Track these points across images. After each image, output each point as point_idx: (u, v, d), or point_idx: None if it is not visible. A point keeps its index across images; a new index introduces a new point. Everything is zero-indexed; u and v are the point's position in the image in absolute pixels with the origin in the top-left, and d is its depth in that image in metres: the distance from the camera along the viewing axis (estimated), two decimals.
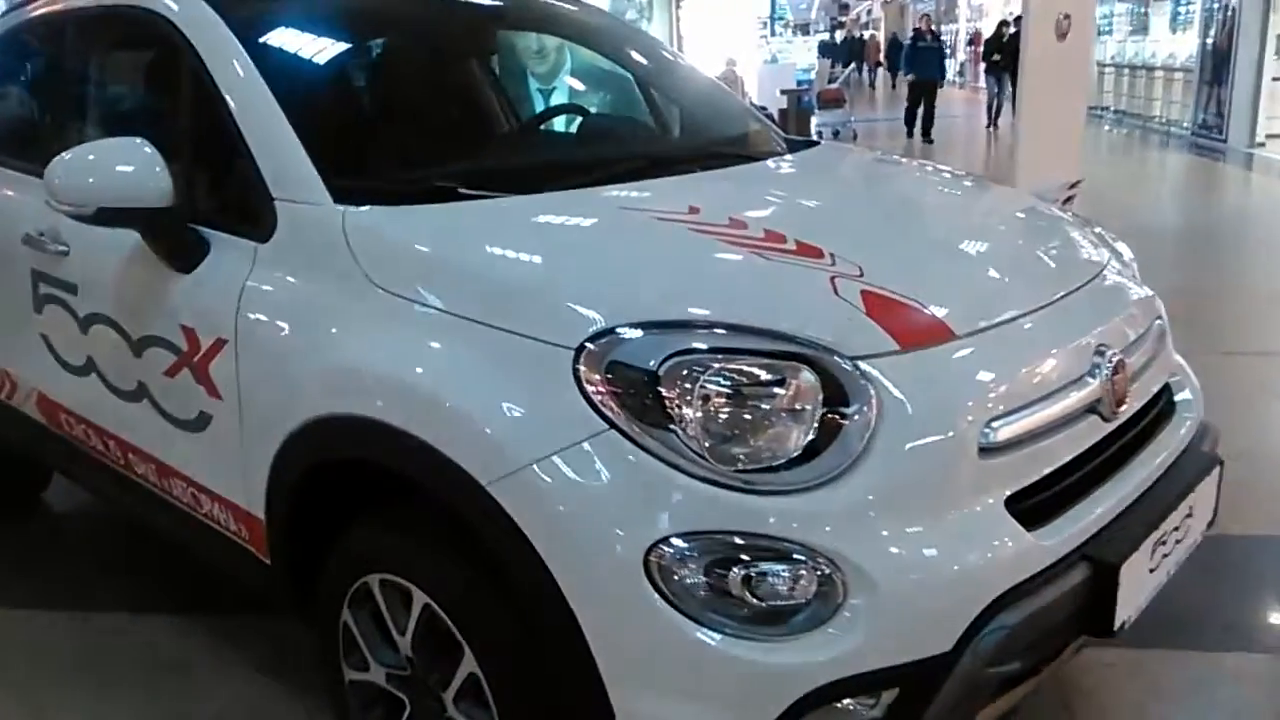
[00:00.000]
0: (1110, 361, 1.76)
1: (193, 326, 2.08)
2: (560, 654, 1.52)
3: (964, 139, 15.59)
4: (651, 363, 1.50)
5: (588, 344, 1.54)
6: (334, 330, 1.81)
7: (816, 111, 13.97)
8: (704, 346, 1.52)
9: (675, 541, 1.45)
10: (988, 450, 1.56)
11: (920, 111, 14.17)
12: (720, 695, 1.46)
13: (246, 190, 2.03)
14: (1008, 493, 1.58)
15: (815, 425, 1.49)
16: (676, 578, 1.45)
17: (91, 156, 2.04)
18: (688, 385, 1.48)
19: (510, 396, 1.56)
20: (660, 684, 1.48)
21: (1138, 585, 1.68)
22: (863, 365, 1.54)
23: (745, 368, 1.51)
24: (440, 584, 1.69)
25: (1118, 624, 1.63)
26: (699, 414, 1.48)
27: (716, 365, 1.50)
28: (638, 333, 1.54)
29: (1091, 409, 1.73)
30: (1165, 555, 1.78)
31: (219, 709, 2.44)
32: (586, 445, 1.50)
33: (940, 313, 1.65)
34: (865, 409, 1.51)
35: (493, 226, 1.87)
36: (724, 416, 1.49)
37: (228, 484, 2.10)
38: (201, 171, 2.15)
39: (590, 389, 1.52)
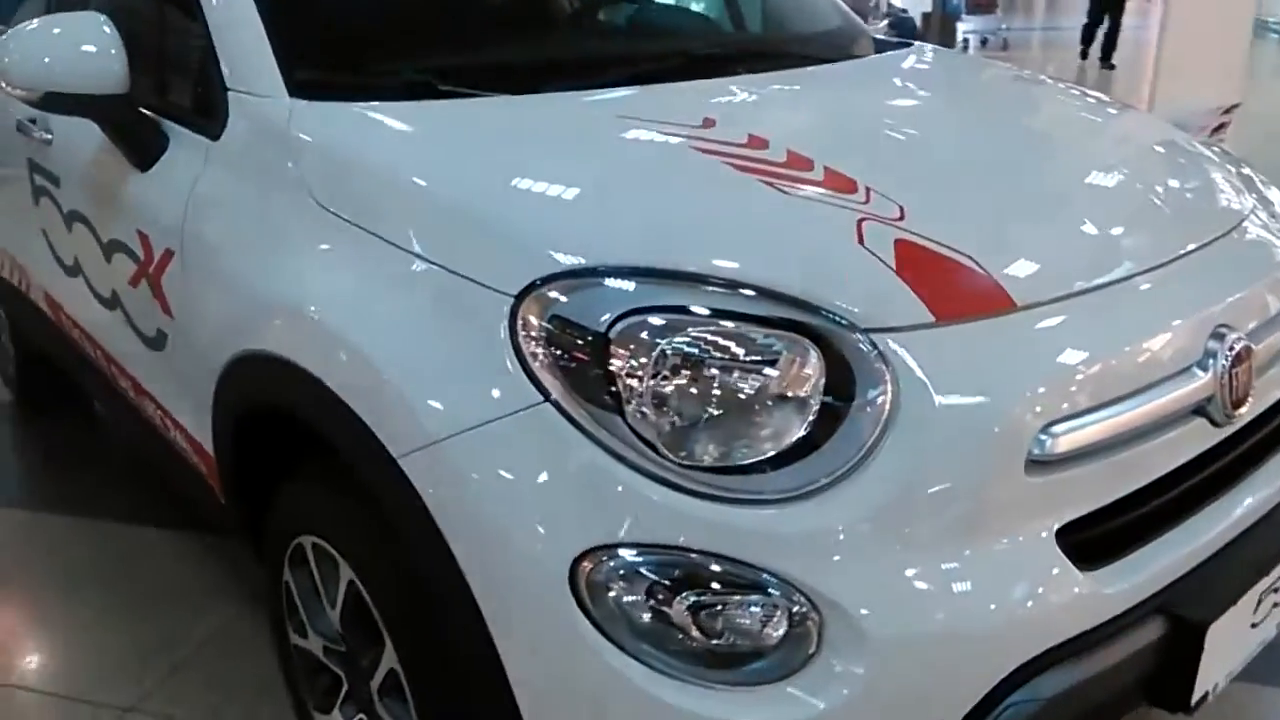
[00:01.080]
0: (1231, 348, 1.33)
1: (147, 233, 1.84)
2: (473, 670, 1.24)
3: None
4: (602, 320, 1.17)
5: (530, 292, 1.22)
6: (271, 252, 1.54)
7: (964, 16, 12.91)
8: (671, 304, 1.18)
9: (613, 553, 1.14)
10: (1040, 463, 1.19)
11: (1103, 28, 11.36)
12: None
13: (203, 76, 1.75)
14: (1061, 521, 1.20)
15: (810, 418, 1.15)
16: (609, 597, 1.14)
17: (55, 30, 1.78)
18: (644, 354, 1.15)
19: (439, 351, 1.26)
20: None
21: (1231, 647, 1.29)
22: (882, 341, 1.17)
23: (723, 337, 1.16)
24: (362, 561, 1.43)
25: (1197, 697, 1.26)
26: (655, 392, 1.15)
27: (685, 331, 1.16)
28: (592, 281, 1.21)
29: (1198, 410, 1.32)
30: (1278, 604, 1.38)
31: (207, 634, 2.29)
32: (515, 420, 1.19)
33: (1000, 273, 1.26)
34: (878, 400, 1.15)
35: (454, 134, 1.54)
36: (688, 398, 1.15)
37: (183, 413, 1.88)
38: (158, 54, 1.88)
39: (527, 350, 1.20)
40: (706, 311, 1.18)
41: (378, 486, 1.30)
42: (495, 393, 1.20)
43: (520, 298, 1.22)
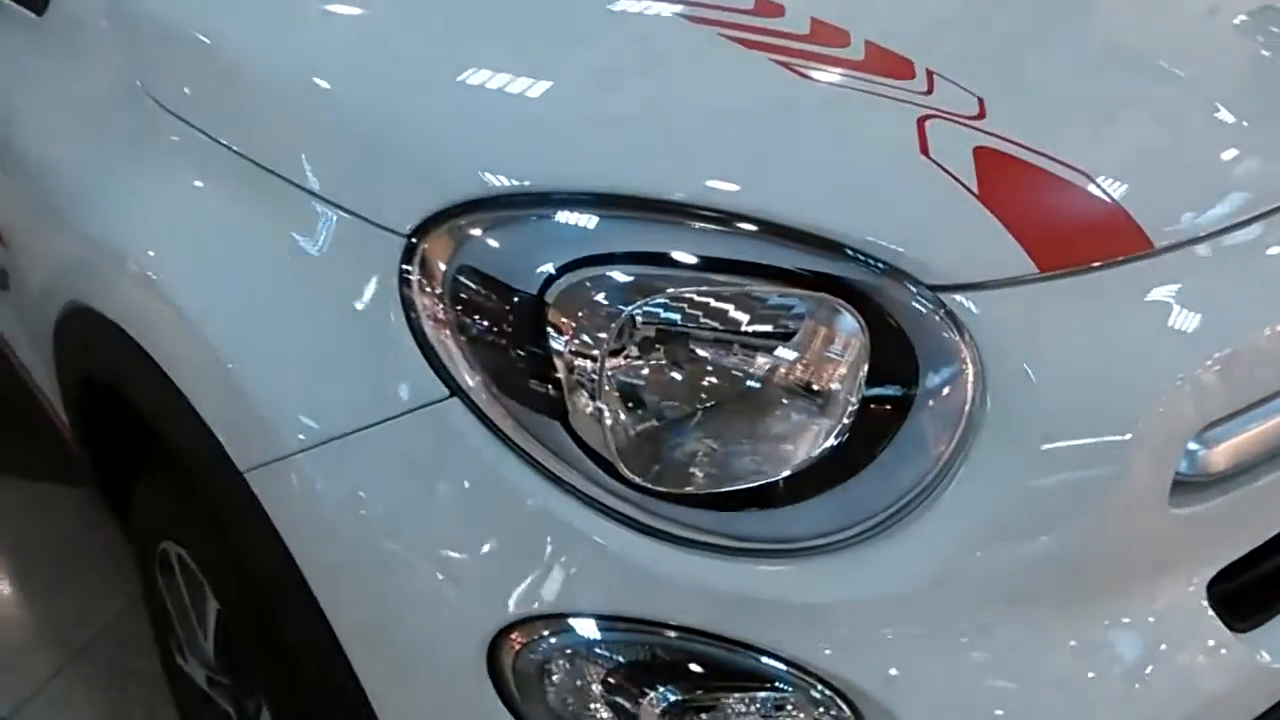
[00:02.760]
0: None
1: None
2: None
3: None
4: (537, 274, 0.76)
5: (431, 229, 0.81)
6: (93, 168, 1.11)
7: None
8: (640, 249, 0.77)
9: (553, 627, 0.76)
10: (1191, 486, 0.80)
11: None
12: None
13: None
14: (1214, 568, 0.82)
15: (845, 422, 0.75)
16: (546, 691, 0.77)
17: None
18: (599, 325, 0.75)
19: (303, 322, 0.86)
20: None
21: None
22: (958, 303, 0.77)
23: (715, 299, 0.76)
24: (223, 595, 1.05)
25: None
26: (616, 383, 0.75)
27: (661, 290, 0.76)
28: (523, 214, 0.80)
29: None
30: None
31: (123, 607, 1.94)
32: (406, 425, 0.79)
33: (1131, 197, 0.85)
34: (952, 394, 0.76)
35: (340, 3, 1.09)
36: (661, 392, 0.76)
37: (37, 370, 1.48)
38: None
39: (426, 318, 0.80)
40: (693, 260, 0.77)
41: (224, 511, 0.91)
42: (380, 383, 0.81)
43: (416, 238, 0.81)
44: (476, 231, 0.79)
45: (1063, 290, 0.80)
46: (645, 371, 0.76)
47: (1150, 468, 0.78)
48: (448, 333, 0.79)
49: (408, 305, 0.80)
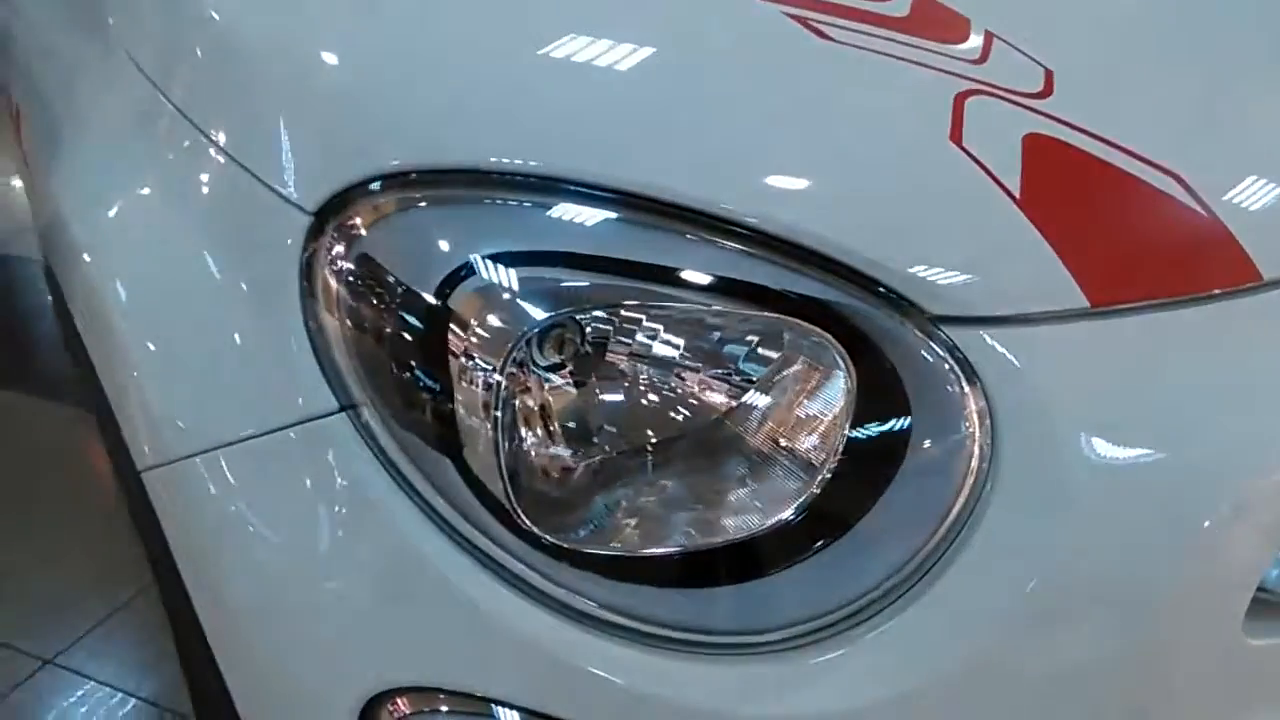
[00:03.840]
0: None
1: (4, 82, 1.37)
2: None
3: None
4: (438, 271, 0.62)
5: (339, 209, 0.67)
6: (72, 117, 1.03)
7: None
8: (569, 249, 0.62)
9: (432, 705, 0.63)
10: (1276, 607, 0.60)
11: None
12: None
13: None
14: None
15: (822, 478, 0.59)
16: None
17: None
18: (507, 335, 0.60)
19: (204, 306, 0.74)
20: None
21: None
22: (971, 340, 0.59)
23: (660, 320, 0.60)
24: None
25: None
26: (522, 409, 0.61)
27: (589, 299, 0.60)
28: (437, 194, 0.65)
29: None
30: None
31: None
32: (289, 440, 0.67)
33: (1238, 218, 0.64)
34: (956, 453, 0.58)
35: None
36: (582, 423, 0.61)
37: None
38: None
39: (324, 315, 0.67)
40: (639, 265, 0.61)
41: (131, 508, 0.81)
42: (273, 388, 0.68)
43: (321, 217, 0.68)
44: (382, 214, 0.65)
45: (1121, 332, 0.60)
46: (556, 398, 0.61)
47: (1222, 579, 0.58)
48: (339, 336, 0.65)
49: (305, 299, 0.67)
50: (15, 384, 2.47)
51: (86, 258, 0.83)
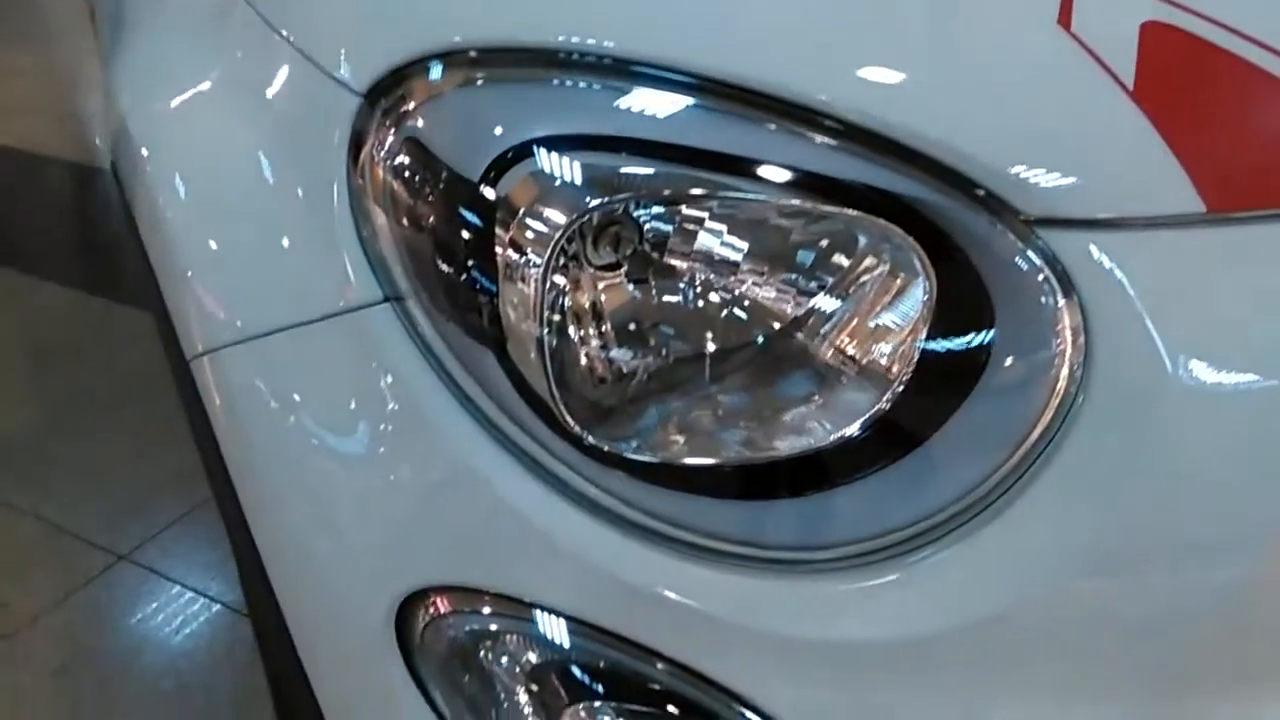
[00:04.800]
0: None
1: None
2: (291, 699, 0.75)
3: None
4: (488, 154, 0.58)
5: (387, 90, 0.64)
6: (137, 11, 1.01)
7: None
8: (621, 132, 0.57)
9: (468, 605, 0.61)
10: None
11: None
12: None
13: None
14: None
15: (895, 390, 0.54)
16: (452, 669, 0.62)
17: None
18: (555, 222, 0.56)
19: (261, 198, 0.71)
20: None
21: None
22: (1069, 244, 0.53)
23: (721, 209, 0.56)
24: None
25: None
26: (570, 304, 0.57)
27: (644, 187, 0.56)
28: (488, 72, 0.61)
29: None
30: None
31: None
32: (335, 328, 0.64)
33: None
34: (1045, 369, 0.53)
35: None
36: (635, 317, 0.57)
37: None
38: None
39: (370, 201, 0.64)
40: (709, 153, 0.56)
41: (182, 397, 0.80)
42: (319, 275, 0.66)
43: (373, 98, 0.64)
44: (434, 94, 0.62)
45: (1240, 244, 0.54)
46: (614, 297, 0.57)
47: None
48: (384, 223, 0.62)
49: (352, 184, 0.64)
50: (108, 291, 2.53)
51: (144, 152, 0.82)
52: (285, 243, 0.68)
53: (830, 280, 0.57)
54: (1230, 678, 0.58)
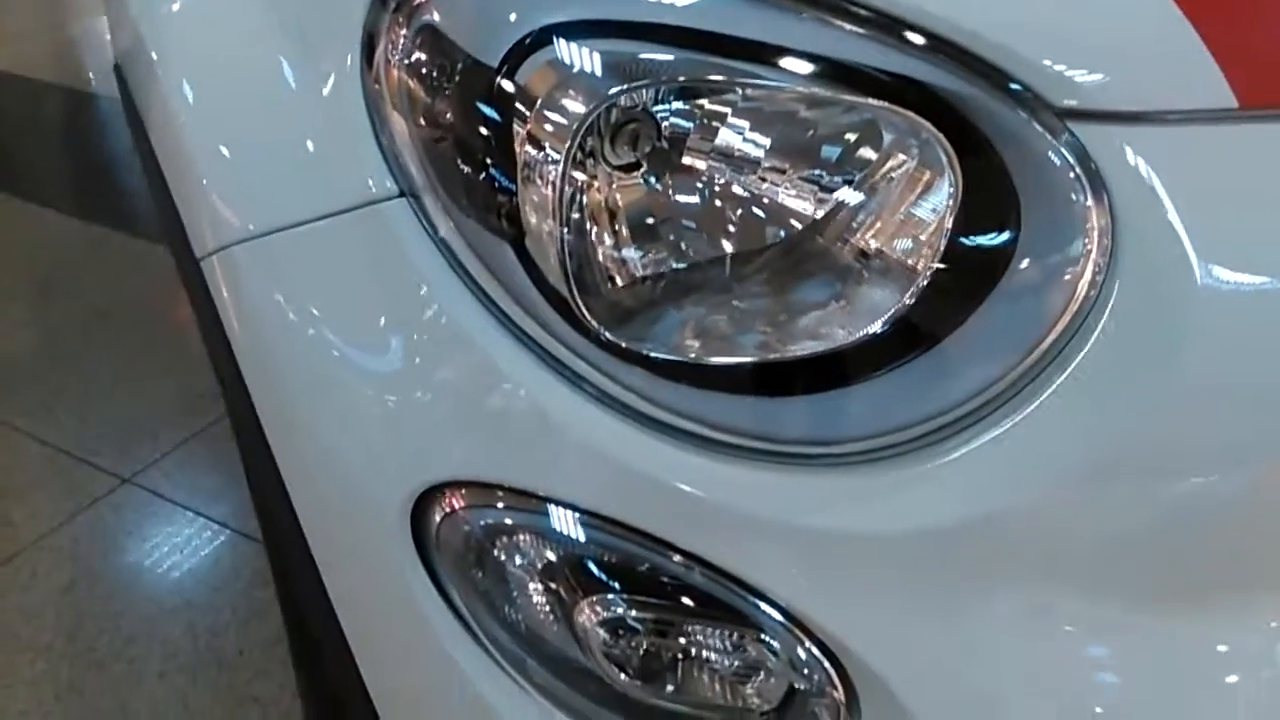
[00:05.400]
0: None
1: None
2: (310, 611, 0.76)
3: None
4: (502, 41, 0.57)
5: None
6: None
7: None
8: (639, 18, 0.56)
9: (483, 501, 0.61)
10: None
11: None
12: None
13: None
14: None
15: (920, 284, 0.53)
16: (468, 564, 0.62)
17: None
18: (572, 110, 0.55)
19: (273, 94, 0.70)
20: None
21: None
22: (1100, 140, 0.52)
23: (742, 99, 0.55)
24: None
25: None
26: (588, 196, 0.56)
27: (663, 74, 0.55)
28: None
29: None
30: None
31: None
32: (348, 223, 0.63)
33: None
34: (1072, 263, 0.53)
35: None
36: (655, 211, 0.57)
37: None
38: None
39: (385, 94, 0.63)
40: (733, 40, 0.55)
41: (191, 297, 0.80)
42: (333, 170, 0.65)
43: None
44: None
45: (1273, 141, 0.53)
46: (631, 196, 0.56)
47: None
48: (399, 116, 0.61)
49: (366, 79, 0.63)
50: (106, 219, 2.51)
51: (154, 55, 0.80)
52: (300, 139, 0.67)
53: (856, 176, 0.56)
54: (1234, 580, 0.58)
